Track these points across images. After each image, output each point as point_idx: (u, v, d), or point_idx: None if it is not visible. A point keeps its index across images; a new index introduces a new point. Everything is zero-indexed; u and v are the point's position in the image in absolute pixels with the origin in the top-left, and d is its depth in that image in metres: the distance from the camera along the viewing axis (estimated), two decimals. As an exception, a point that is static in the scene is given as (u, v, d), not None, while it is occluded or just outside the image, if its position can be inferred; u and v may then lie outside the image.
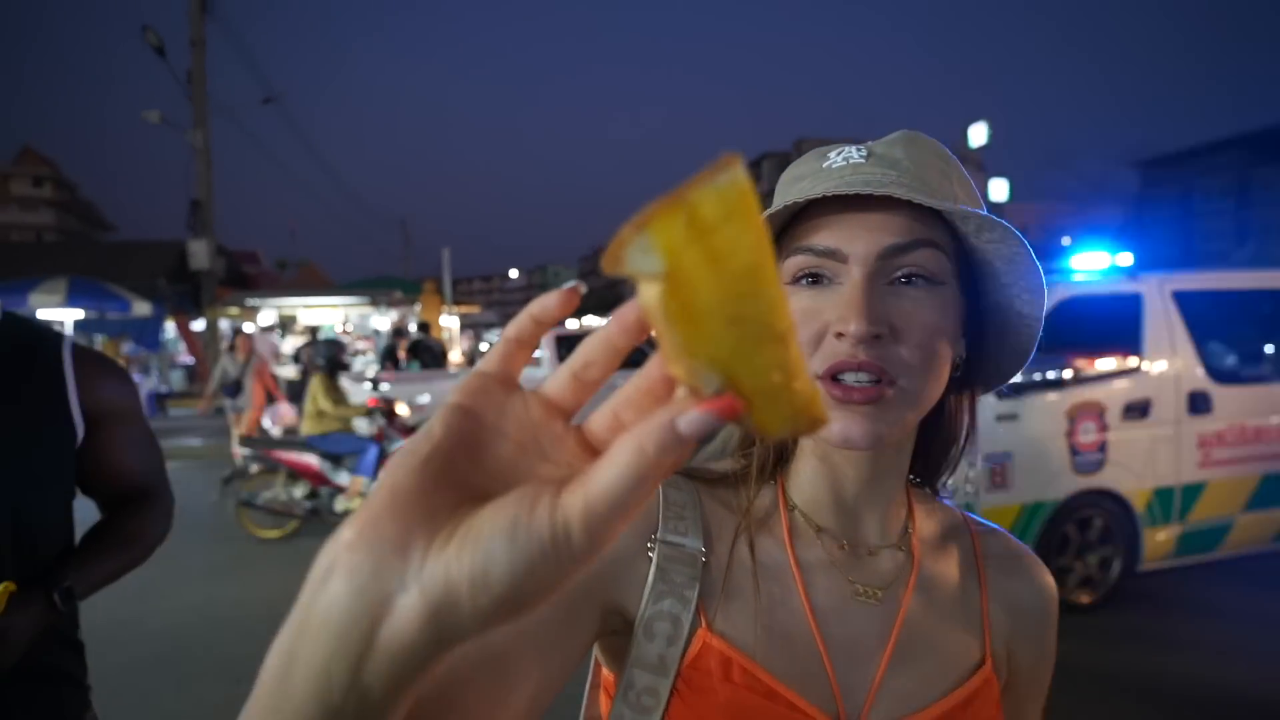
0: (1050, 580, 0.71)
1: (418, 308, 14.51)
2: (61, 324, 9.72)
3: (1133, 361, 3.96)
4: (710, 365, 0.25)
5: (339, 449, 5.55)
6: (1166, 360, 3.98)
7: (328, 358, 5.97)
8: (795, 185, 0.63)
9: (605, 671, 0.66)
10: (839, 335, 0.56)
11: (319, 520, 5.48)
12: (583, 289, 0.30)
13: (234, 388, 7.55)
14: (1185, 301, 4.10)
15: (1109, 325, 4.07)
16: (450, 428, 0.27)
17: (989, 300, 0.65)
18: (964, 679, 0.62)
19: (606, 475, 0.24)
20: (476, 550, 0.24)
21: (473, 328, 13.84)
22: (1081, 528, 3.88)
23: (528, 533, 0.24)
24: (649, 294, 0.25)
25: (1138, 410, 3.91)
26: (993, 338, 0.67)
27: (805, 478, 0.66)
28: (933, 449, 0.70)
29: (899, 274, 0.57)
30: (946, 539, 0.69)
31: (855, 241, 0.57)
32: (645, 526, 0.61)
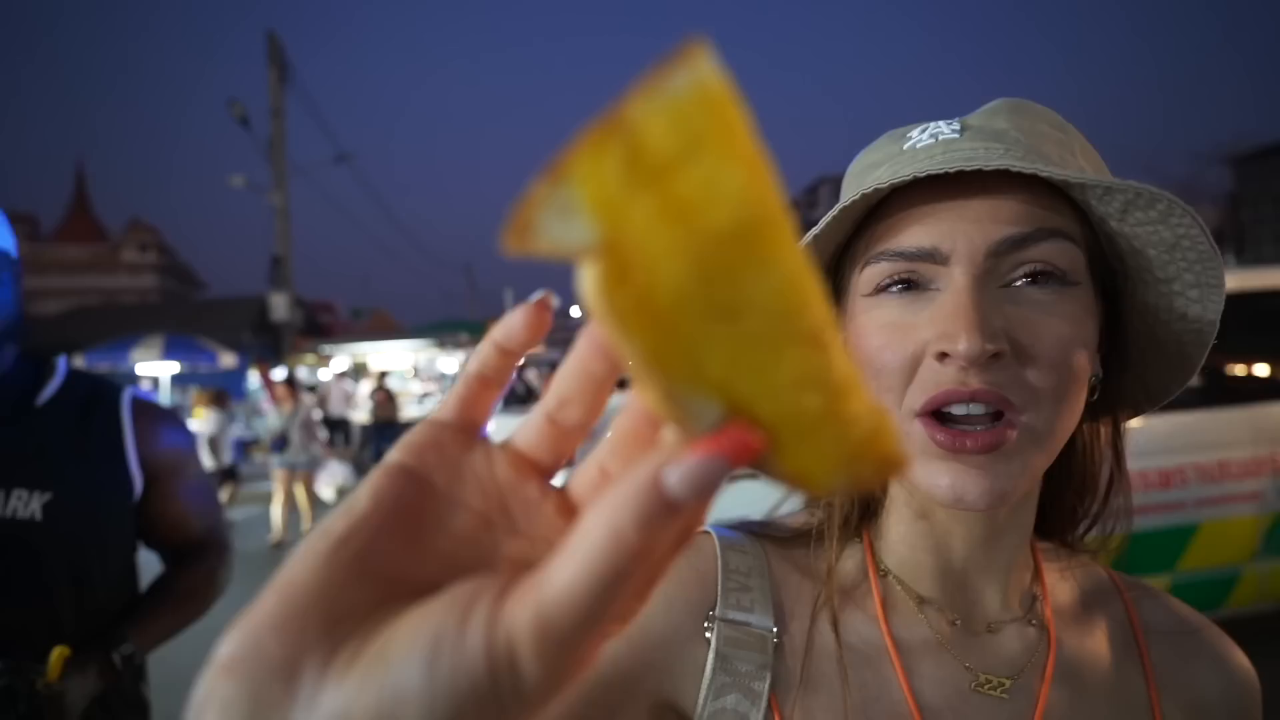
0: (1244, 663, 0.54)
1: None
2: (156, 379, 10.57)
3: None
4: (698, 386, 0.17)
5: None
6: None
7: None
8: (870, 173, 0.51)
9: None
10: (942, 357, 0.44)
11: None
12: (554, 301, 0.23)
13: (280, 441, 6.64)
14: None
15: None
16: (381, 497, 0.21)
17: (1135, 302, 0.52)
18: None
19: (567, 570, 0.17)
20: (384, 681, 0.17)
21: (536, 366, 14.06)
22: None
23: (454, 658, 0.17)
24: (588, 280, 0.17)
25: None
26: (1140, 350, 0.54)
27: (899, 536, 0.53)
28: (1064, 495, 0.56)
29: (1019, 274, 0.45)
30: (1090, 607, 0.55)
31: (957, 236, 0.45)
32: (701, 601, 0.51)
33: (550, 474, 0.23)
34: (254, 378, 14.98)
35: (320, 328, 23.65)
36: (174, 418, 1.33)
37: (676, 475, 0.17)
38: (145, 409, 1.27)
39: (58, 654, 1.06)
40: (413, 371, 15.20)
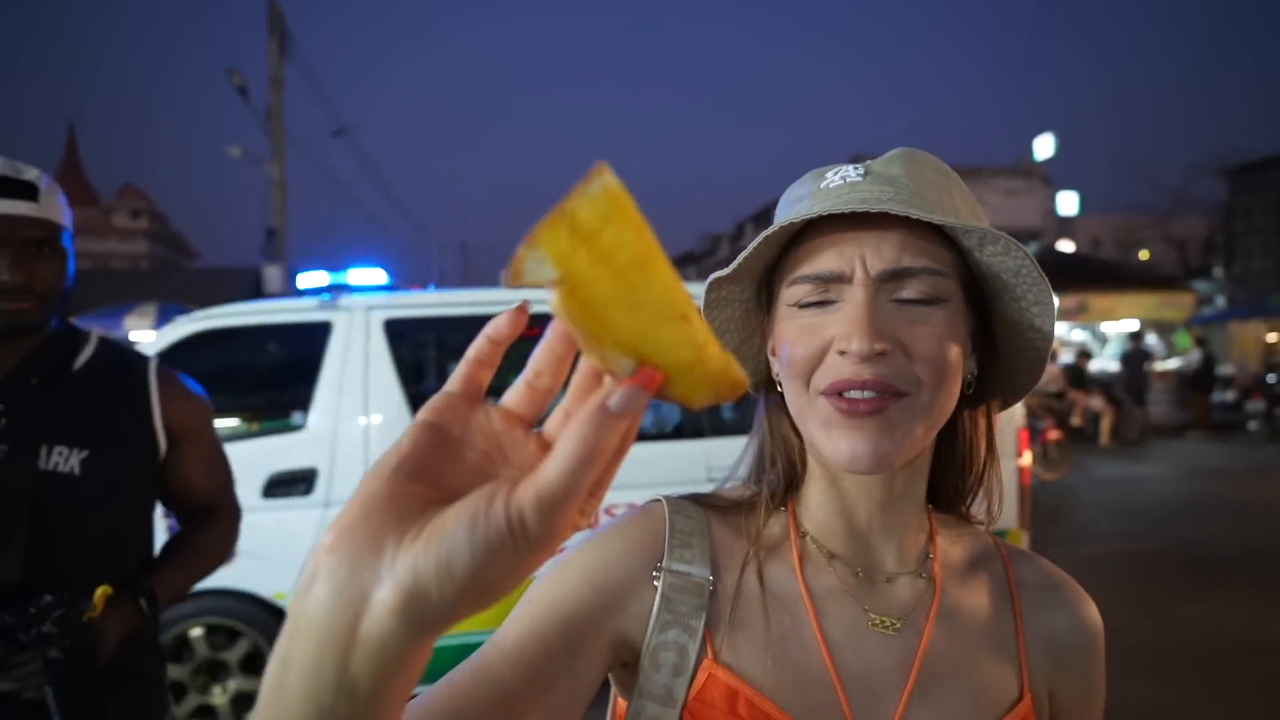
0: (1094, 611, 0.66)
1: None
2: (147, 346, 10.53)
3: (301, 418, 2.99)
4: (621, 350, 0.29)
5: None
6: (356, 414, 2.98)
7: None
8: (794, 206, 0.62)
9: (620, 702, 0.63)
10: (842, 353, 0.55)
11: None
12: (530, 306, 0.32)
13: None
14: (403, 333, 3.13)
15: (291, 368, 3.21)
16: (417, 442, 0.30)
17: (1000, 315, 0.63)
18: (998, 716, 0.59)
19: (554, 464, 0.27)
20: (441, 544, 0.27)
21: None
22: (216, 645, 2.89)
23: (486, 524, 0.27)
24: (554, 299, 0.28)
25: (297, 482, 2.91)
26: (1005, 353, 0.65)
27: (816, 503, 0.64)
28: (950, 471, 0.67)
29: (903, 293, 0.57)
30: (975, 565, 0.66)
31: (855, 262, 0.57)
32: (651, 555, 0.61)
33: (531, 424, 0.34)
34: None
35: (313, 302, 23.43)
36: (194, 388, 1.39)
37: (614, 400, 0.28)
38: (169, 378, 1.34)
39: (102, 592, 1.15)
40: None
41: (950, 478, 0.67)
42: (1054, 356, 12.09)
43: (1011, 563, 0.67)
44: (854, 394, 0.55)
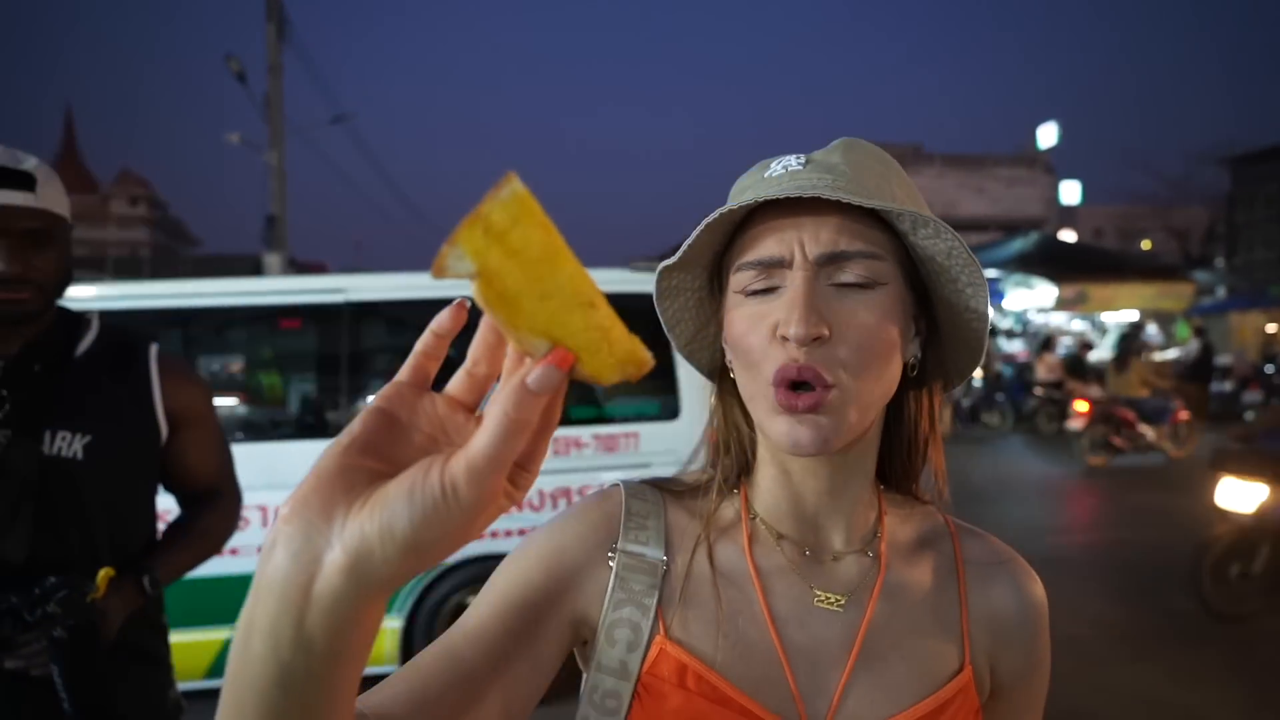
0: (1037, 587, 0.67)
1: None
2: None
3: None
4: (535, 334, 0.33)
5: None
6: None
7: None
8: (741, 194, 0.63)
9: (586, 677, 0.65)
10: (783, 339, 0.57)
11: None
12: (468, 303, 0.35)
13: None
14: None
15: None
16: (367, 424, 0.34)
17: (939, 297, 0.65)
18: (938, 687, 0.61)
19: (481, 436, 0.31)
20: (384, 510, 0.31)
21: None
22: None
23: (423, 491, 0.30)
24: (474, 290, 0.32)
25: None
26: (947, 335, 0.67)
27: (766, 486, 0.66)
28: (897, 450, 0.69)
29: (841, 277, 0.59)
30: (923, 544, 0.68)
31: (794, 247, 0.59)
32: (607, 536, 0.63)
33: (472, 409, 0.37)
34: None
35: (313, 290, 23.40)
36: (195, 372, 1.41)
37: (531, 377, 0.32)
38: (171, 364, 1.35)
39: (104, 574, 1.17)
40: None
41: (898, 457, 0.69)
42: (1053, 347, 12.13)
43: (959, 540, 0.69)
44: (798, 387, 0.57)
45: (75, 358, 1.25)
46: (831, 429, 0.57)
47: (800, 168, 0.61)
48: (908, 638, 0.62)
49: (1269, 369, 11.78)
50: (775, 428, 0.58)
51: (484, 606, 0.59)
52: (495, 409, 0.31)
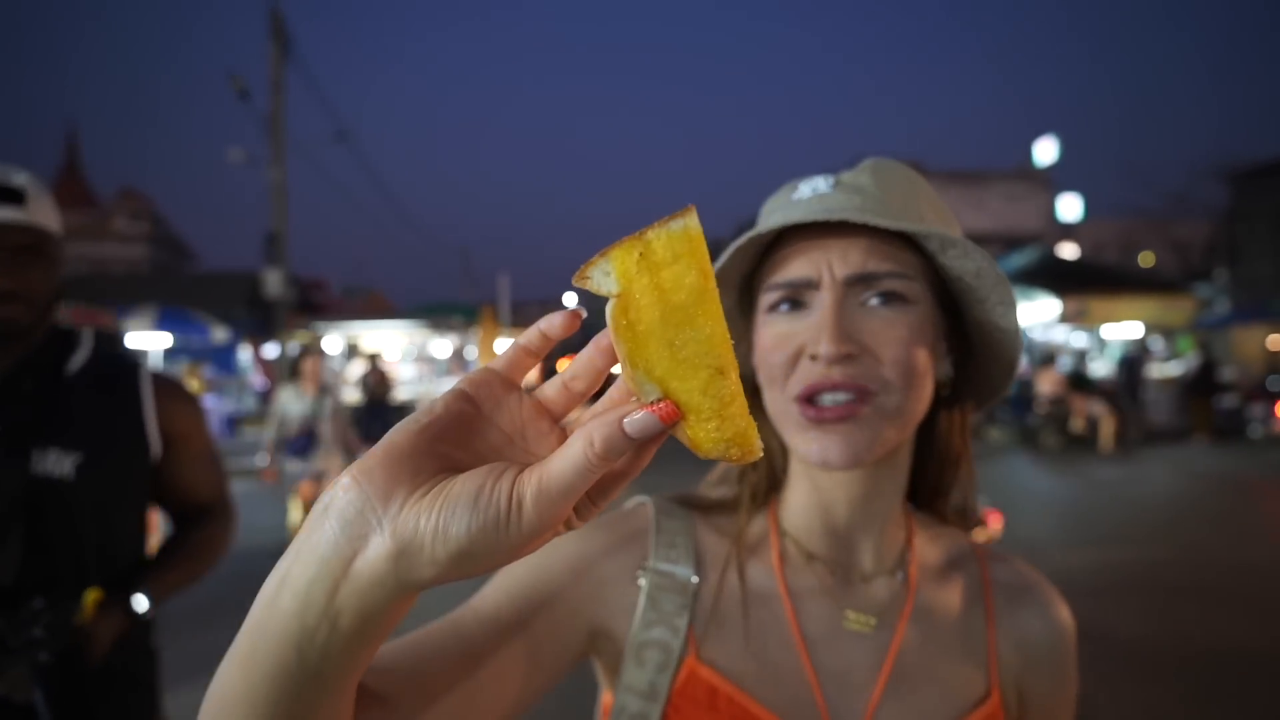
0: (1065, 613, 0.66)
1: (476, 332, 14.84)
2: (145, 352, 10.50)
3: None
4: (650, 378, 0.31)
5: None
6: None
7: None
8: (770, 216, 0.63)
9: (607, 696, 0.63)
10: (813, 358, 0.57)
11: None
12: (584, 314, 0.34)
13: (304, 441, 4.69)
14: None
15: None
16: (450, 408, 0.33)
17: (969, 317, 0.65)
18: (966, 712, 0.60)
19: (560, 462, 0.30)
20: (445, 507, 0.30)
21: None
22: None
23: (489, 500, 0.29)
24: (609, 309, 0.32)
25: None
26: (979, 354, 0.67)
27: (797, 504, 0.66)
28: (928, 470, 0.69)
29: (870, 296, 0.59)
30: (951, 566, 0.67)
31: (822, 268, 0.59)
32: (637, 554, 0.62)
33: (558, 420, 0.35)
34: (245, 354, 14.89)
35: (313, 306, 23.50)
36: (187, 391, 1.40)
37: (629, 420, 0.30)
38: (163, 382, 1.34)
39: (92, 596, 1.14)
40: (405, 353, 15.13)
41: (929, 476, 0.69)
42: (1053, 362, 12.11)
43: (987, 564, 0.68)
44: (826, 399, 0.57)
45: (66, 375, 1.23)
46: (864, 444, 0.56)
47: (829, 190, 0.61)
48: (936, 661, 0.61)
49: (1272, 382, 11.72)
50: (804, 445, 0.58)
51: (501, 594, 0.58)
52: (581, 438, 0.30)
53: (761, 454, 0.33)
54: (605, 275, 0.31)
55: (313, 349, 5.48)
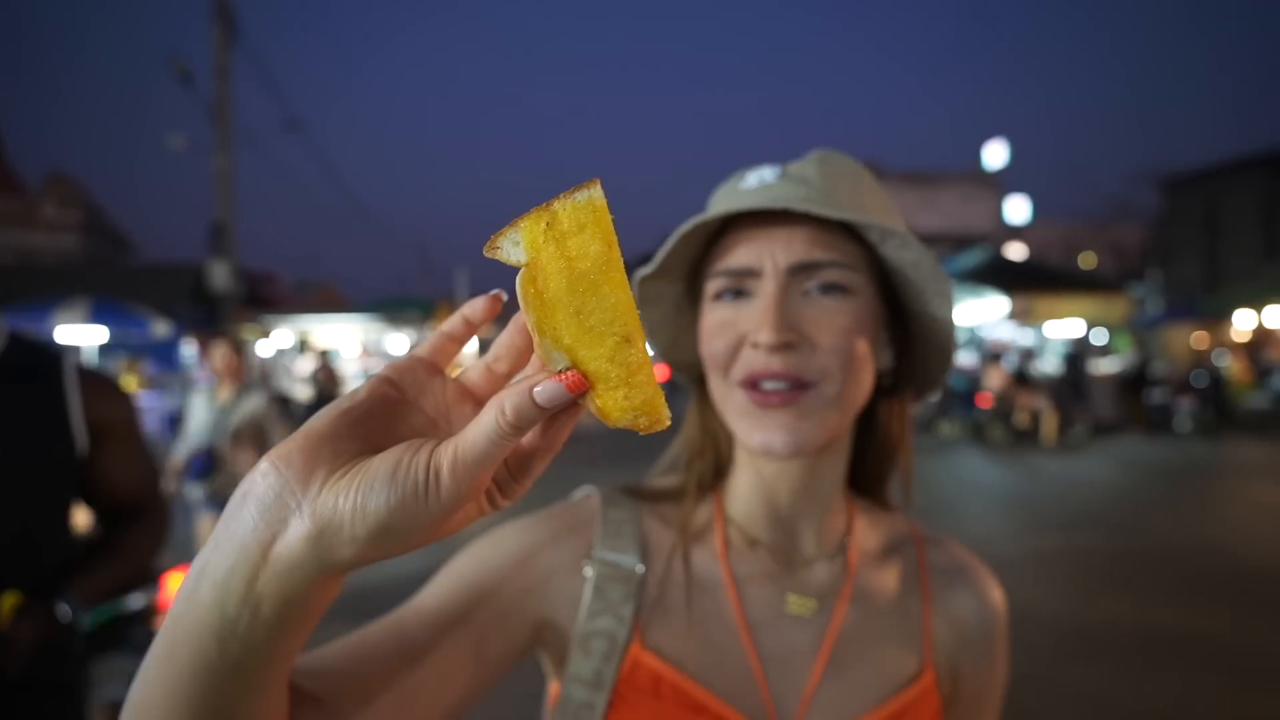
0: (997, 593, 0.69)
1: (433, 328, 14.60)
2: (78, 348, 9.91)
3: None
4: (558, 347, 0.31)
5: None
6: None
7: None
8: (715, 206, 0.63)
9: (553, 685, 0.63)
10: (755, 345, 0.58)
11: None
12: (505, 297, 0.35)
13: (201, 460, 3.48)
14: None
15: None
16: (373, 392, 0.34)
17: (909, 307, 0.66)
18: (900, 690, 0.62)
19: (474, 431, 0.30)
20: (363, 485, 0.30)
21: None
22: None
23: (406, 473, 0.30)
24: (518, 279, 0.32)
25: None
26: (918, 344, 0.68)
27: (741, 491, 0.67)
28: (869, 457, 0.70)
29: (811, 285, 0.59)
30: (890, 550, 0.69)
31: (765, 257, 0.59)
32: (582, 544, 0.63)
33: (482, 402, 0.36)
34: (190, 350, 14.27)
35: (262, 299, 22.69)
36: (116, 385, 1.32)
37: (540, 389, 0.30)
38: (89, 375, 1.27)
39: (10, 601, 1.08)
40: (360, 349, 14.74)
41: (869, 463, 0.70)
42: (999, 359, 12.56)
43: (924, 548, 0.70)
44: (768, 385, 0.57)
45: None
46: (806, 433, 0.57)
47: (775, 180, 0.61)
48: (873, 642, 0.63)
49: (1197, 377, 12.39)
50: (747, 431, 0.59)
51: (443, 590, 0.58)
52: (493, 406, 0.30)
53: (669, 423, 0.33)
54: (514, 245, 0.31)
55: (229, 336, 4.01)
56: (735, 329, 0.59)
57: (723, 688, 0.59)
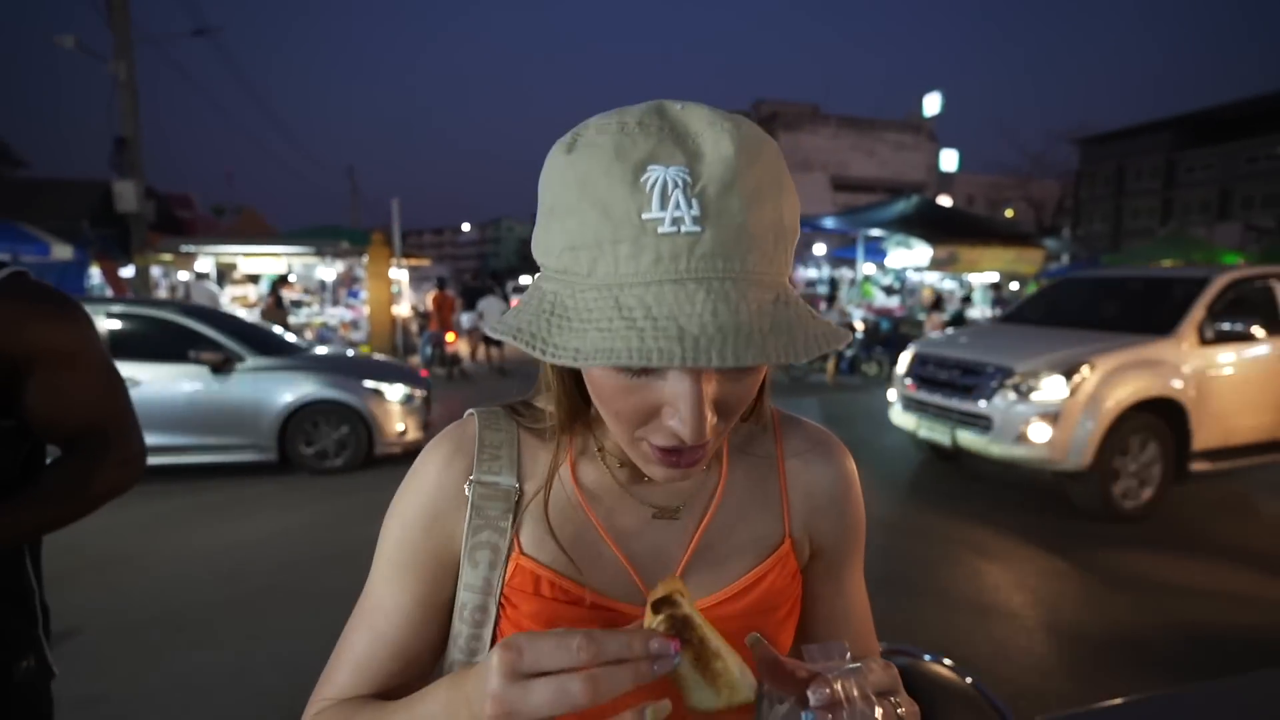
0: (848, 460, 0.74)
1: (365, 259, 13.99)
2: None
3: None
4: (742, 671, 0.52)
5: None
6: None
7: None
8: (605, 223, 0.49)
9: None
10: (671, 424, 0.52)
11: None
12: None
13: None
14: None
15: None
16: None
17: None
18: (763, 558, 0.68)
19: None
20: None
21: (438, 280, 13.52)
22: None
23: None
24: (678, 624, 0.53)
25: None
26: None
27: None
28: None
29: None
30: (752, 439, 0.73)
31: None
32: (463, 468, 0.67)
33: None
34: (96, 274, 13.18)
35: (177, 223, 21.01)
36: (59, 299, 1.12)
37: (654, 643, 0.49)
38: (16, 291, 1.07)
39: None
40: (287, 278, 14.02)
41: None
42: (943, 306, 13.13)
43: (781, 430, 0.74)
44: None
45: None
46: (698, 467, 0.57)
47: (696, 230, 0.47)
48: (738, 527, 0.68)
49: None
50: (644, 466, 0.58)
51: (389, 584, 0.66)
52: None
53: (753, 697, 0.51)
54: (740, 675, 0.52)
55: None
56: (647, 398, 0.53)
57: (597, 584, 0.64)
